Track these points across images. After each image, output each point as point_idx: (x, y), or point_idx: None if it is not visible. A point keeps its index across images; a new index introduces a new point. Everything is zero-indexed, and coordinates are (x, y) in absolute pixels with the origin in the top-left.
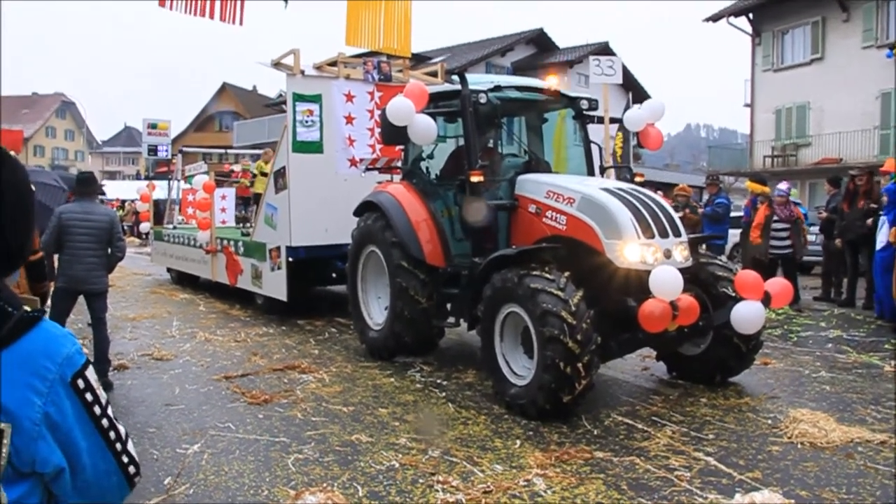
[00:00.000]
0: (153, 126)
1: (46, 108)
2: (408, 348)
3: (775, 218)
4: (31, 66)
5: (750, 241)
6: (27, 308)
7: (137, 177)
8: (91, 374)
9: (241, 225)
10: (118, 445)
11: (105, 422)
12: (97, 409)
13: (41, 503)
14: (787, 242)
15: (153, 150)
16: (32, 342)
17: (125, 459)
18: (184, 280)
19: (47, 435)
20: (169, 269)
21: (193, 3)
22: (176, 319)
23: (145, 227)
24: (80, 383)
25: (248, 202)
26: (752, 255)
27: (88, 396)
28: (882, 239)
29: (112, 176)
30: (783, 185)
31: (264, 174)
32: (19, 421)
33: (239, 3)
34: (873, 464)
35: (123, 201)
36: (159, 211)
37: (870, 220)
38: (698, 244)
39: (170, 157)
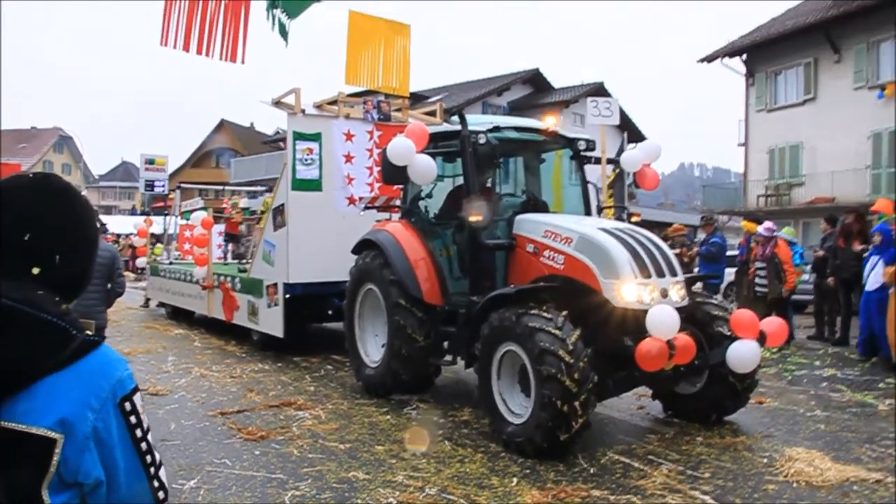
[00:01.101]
0: (150, 161)
1: (44, 143)
2: (404, 386)
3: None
4: (30, 101)
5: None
6: (88, 332)
7: (133, 212)
8: (138, 399)
9: (238, 261)
10: (152, 470)
11: (144, 445)
12: (139, 433)
13: None
14: (766, 282)
15: (150, 185)
16: (91, 362)
17: (156, 484)
18: (178, 315)
19: (93, 448)
20: (162, 304)
21: (195, 41)
22: (171, 354)
23: (142, 261)
24: (128, 406)
25: (234, 238)
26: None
27: (133, 419)
28: (876, 280)
29: (108, 210)
30: (762, 228)
31: None
32: (73, 433)
33: (241, 41)
34: (869, 503)
35: (119, 236)
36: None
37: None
38: (694, 283)
39: (167, 192)
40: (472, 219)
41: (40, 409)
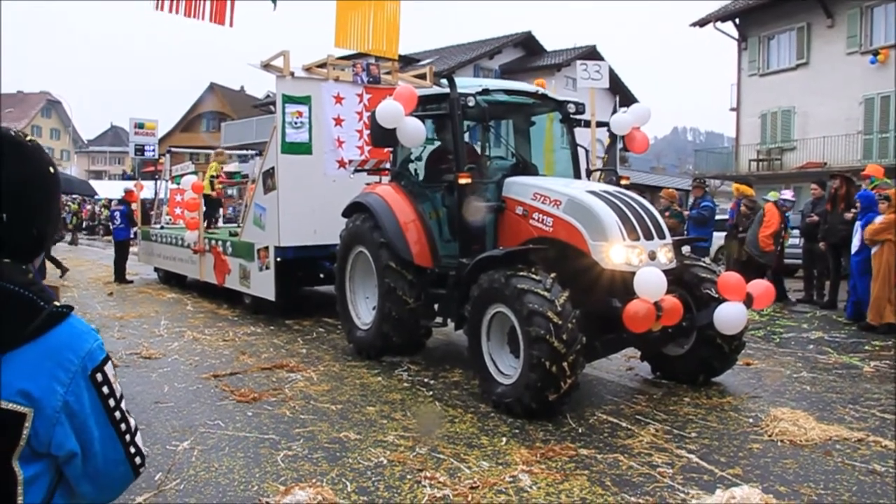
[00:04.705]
0: (140, 126)
1: (32, 107)
2: (395, 348)
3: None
4: (17, 64)
5: (760, 248)
6: (56, 303)
7: (124, 176)
8: (109, 368)
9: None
10: (128, 437)
11: (118, 414)
12: (112, 402)
13: (51, 482)
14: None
15: (140, 149)
16: (59, 336)
17: (132, 450)
18: (171, 279)
19: (65, 422)
20: (156, 269)
21: (184, 4)
22: (164, 318)
23: None
24: (99, 377)
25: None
26: (759, 261)
27: (105, 389)
28: (857, 242)
29: (98, 175)
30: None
31: (214, 177)
32: (42, 407)
33: (229, 3)
34: (850, 461)
35: (110, 200)
36: (146, 210)
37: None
38: (682, 246)
39: (157, 157)
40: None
41: (7, 384)
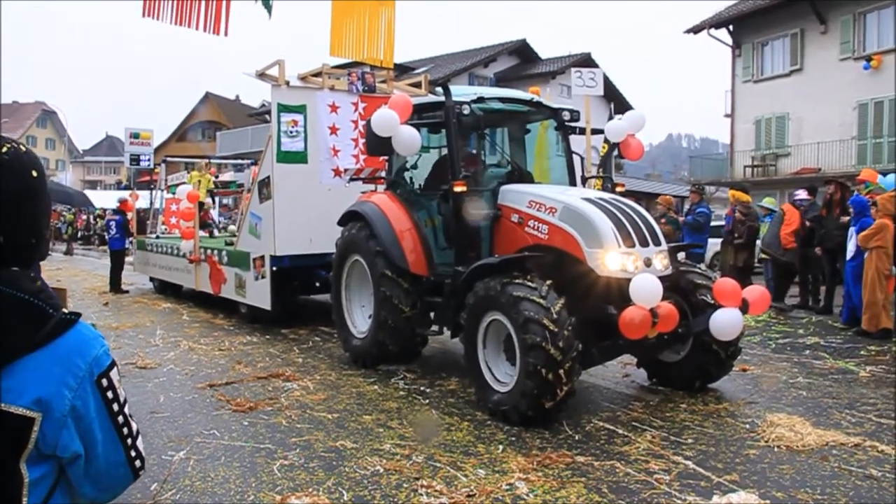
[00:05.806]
0: (135, 136)
1: (27, 117)
2: (391, 356)
3: None
4: (11, 74)
5: (781, 245)
6: (65, 310)
7: (119, 186)
8: (115, 374)
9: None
10: (129, 440)
11: (121, 418)
12: (115, 407)
13: (54, 483)
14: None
15: (136, 159)
16: (68, 342)
17: (133, 454)
18: (166, 289)
19: (71, 425)
20: (152, 279)
21: (177, 12)
22: (159, 328)
23: None
24: (104, 382)
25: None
26: (781, 260)
27: (109, 394)
28: (851, 248)
29: (93, 185)
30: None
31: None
32: (51, 411)
33: (223, 12)
34: (847, 466)
35: (105, 210)
36: (141, 220)
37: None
38: (678, 252)
39: (152, 166)
40: (458, 189)
41: (19, 389)
